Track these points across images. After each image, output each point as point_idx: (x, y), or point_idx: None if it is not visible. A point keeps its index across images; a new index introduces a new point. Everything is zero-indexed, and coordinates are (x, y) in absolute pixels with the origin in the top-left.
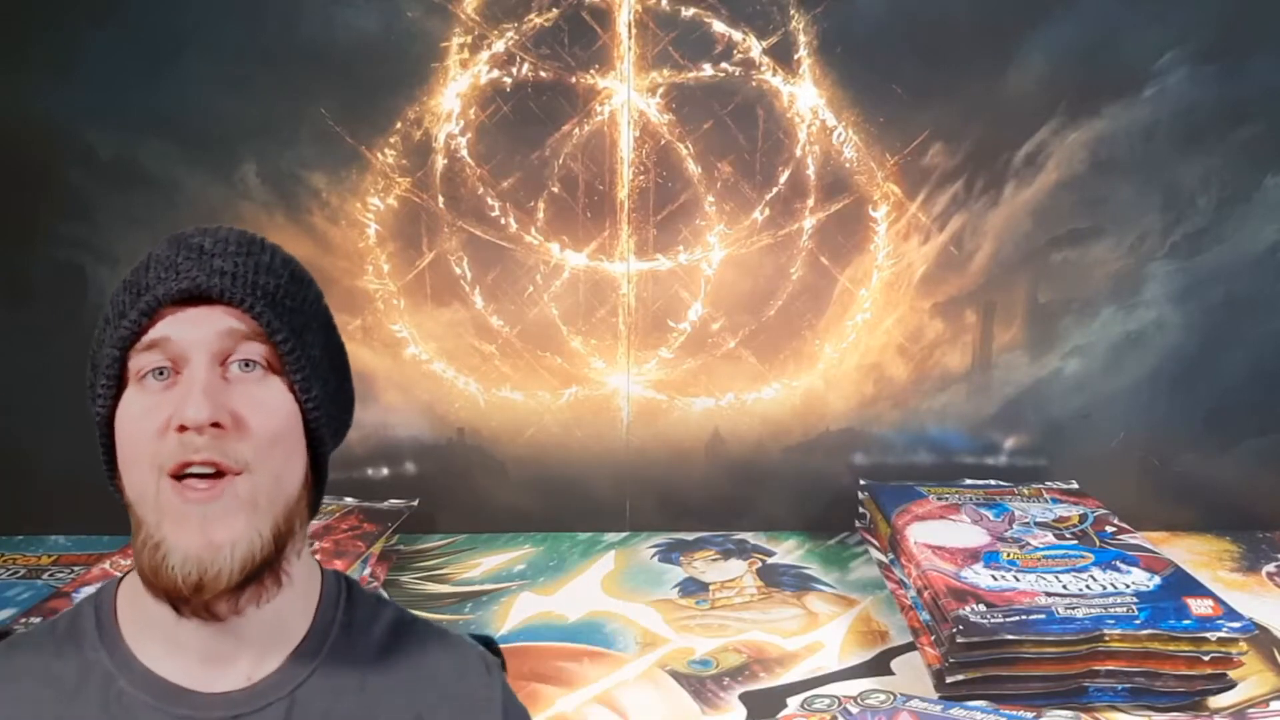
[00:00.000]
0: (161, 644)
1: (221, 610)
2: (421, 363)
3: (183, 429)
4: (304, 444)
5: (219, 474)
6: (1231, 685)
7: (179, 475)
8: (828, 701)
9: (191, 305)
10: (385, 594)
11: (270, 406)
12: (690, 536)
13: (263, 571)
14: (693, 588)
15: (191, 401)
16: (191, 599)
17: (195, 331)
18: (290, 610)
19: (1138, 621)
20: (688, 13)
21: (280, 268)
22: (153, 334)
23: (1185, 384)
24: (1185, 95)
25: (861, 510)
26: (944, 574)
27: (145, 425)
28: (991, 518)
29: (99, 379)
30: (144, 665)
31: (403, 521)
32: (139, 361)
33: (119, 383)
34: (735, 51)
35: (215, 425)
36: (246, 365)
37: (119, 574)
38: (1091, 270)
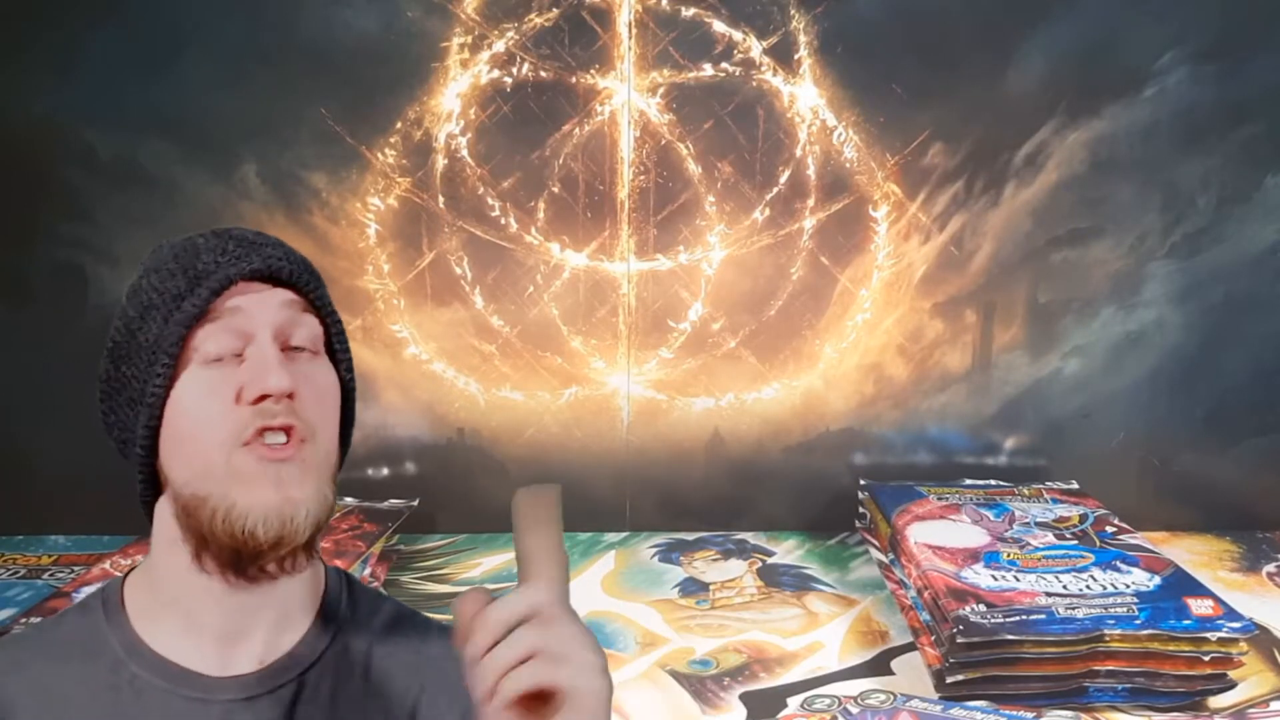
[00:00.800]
0: (176, 628)
1: (270, 569)
2: (421, 363)
3: (261, 399)
4: (338, 426)
5: (288, 442)
6: (1232, 685)
7: (248, 444)
8: (828, 701)
9: (254, 286)
10: (383, 591)
11: (325, 382)
12: (690, 536)
13: (319, 534)
14: (693, 588)
15: (273, 371)
16: (268, 553)
17: (261, 307)
18: (302, 591)
19: (1138, 621)
20: (688, 13)
21: (304, 259)
22: (219, 309)
23: (1185, 384)
24: (1185, 95)
25: (861, 510)
26: (944, 574)
27: (215, 400)
28: (991, 518)
29: (158, 359)
30: (154, 651)
31: (403, 521)
32: (202, 339)
33: (176, 365)
34: (735, 51)
35: (289, 396)
36: (298, 347)
37: (119, 574)
38: (1091, 270)
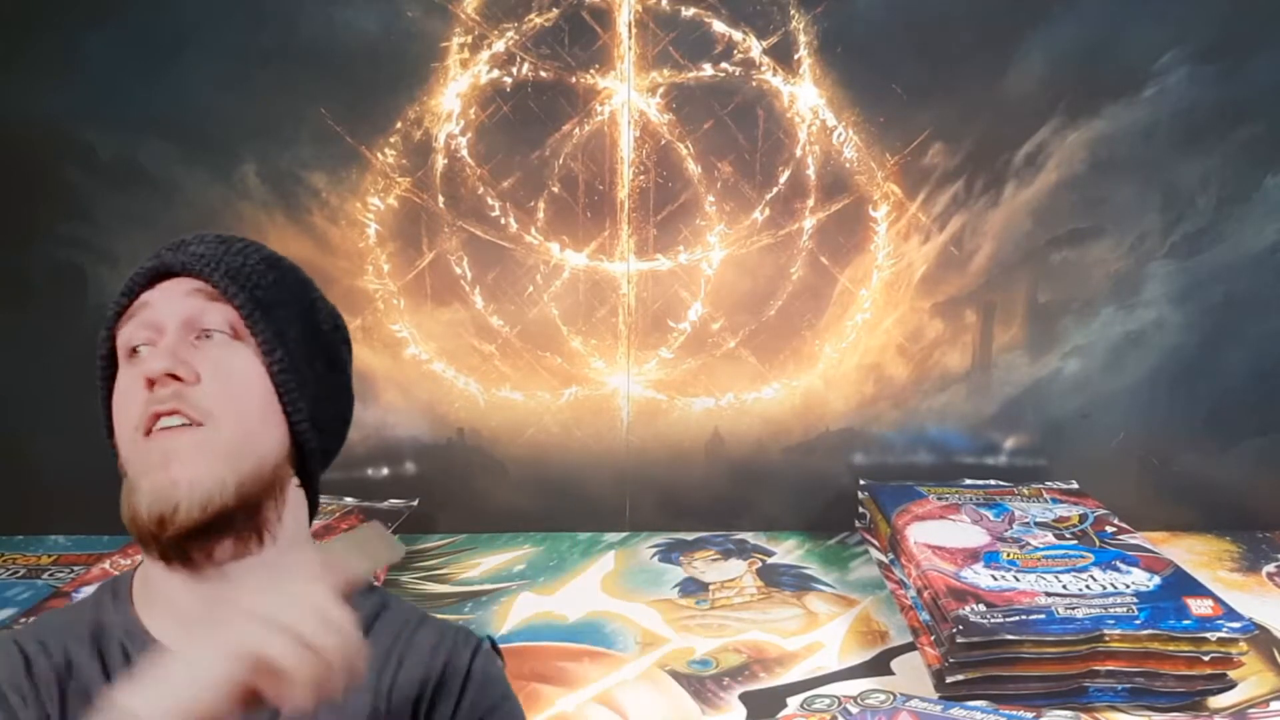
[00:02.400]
0: (168, 616)
1: (196, 555)
2: (421, 363)
3: (151, 384)
4: (281, 414)
5: (185, 425)
6: (1231, 685)
7: (149, 433)
8: (828, 701)
9: (164, 281)
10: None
11: (233, 366)
12: (690, 536)
13: (233, 523)
14: (693, 588)
15: (154, 356)
16: (159, 535)
17: (166, 299)
18: (283, 580)
19: (1138, 621)
20: (688, 13)
21: (252, 254)
22: (133, 307)
23: (1185, 384)
24: (1185, 95)
25: (861, 510)
26: (944, 574)
27: (128, 391)
28: (991, 518)
29: (96, 362)
30: (149, 634)
31: (403, 521)
32: (125, 336)
33: (113, 363)
34: (735, 51)
35: (174, 377)
36: (209, 334)
37: (118, 574)
38: (1091, 270)
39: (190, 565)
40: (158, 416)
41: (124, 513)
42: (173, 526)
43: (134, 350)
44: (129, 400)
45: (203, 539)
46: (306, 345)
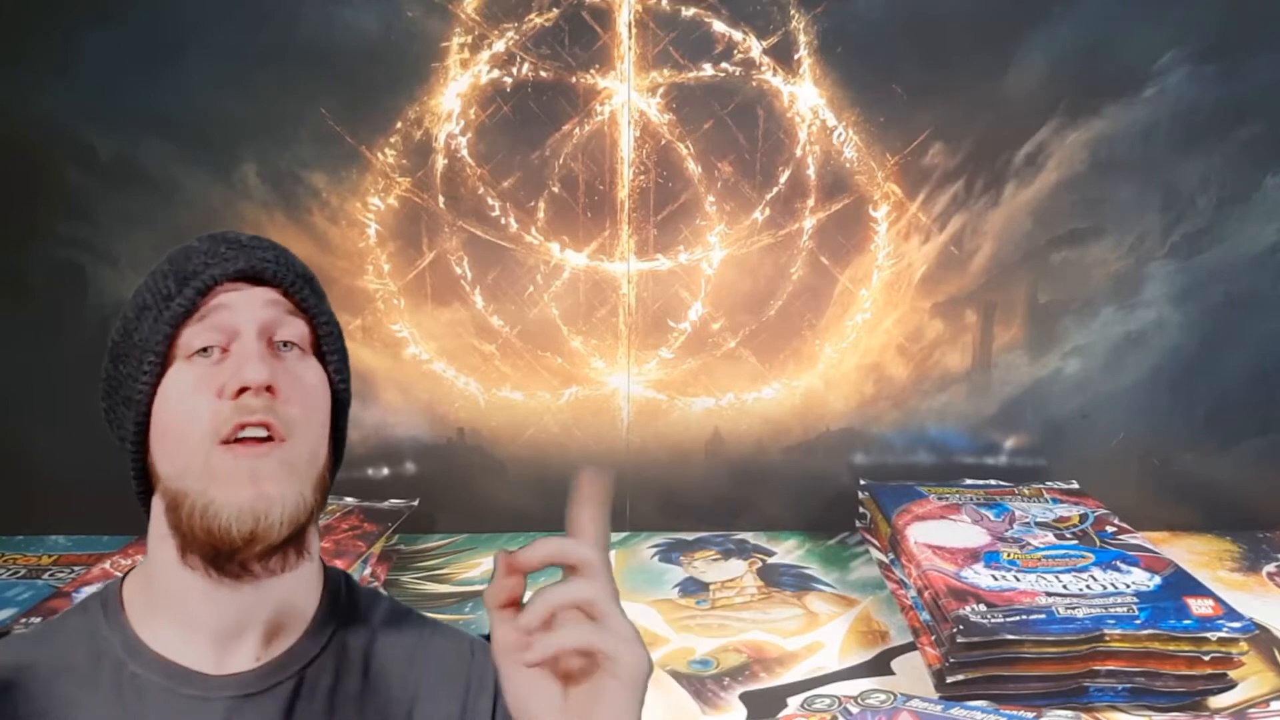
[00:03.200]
0: (174, 627)
1: (255, 569)
2: (421, 363)
3: (241, 391)
4: (329, 424)
5: (268, 439)
6: (1232, 685)
7: (228, 442)
8: (828, 701)
9: (240, 286)
10: (383, 591)
11: (310, 381)
12: (690, 536)
13: (300, 535)
14: (693, 588)
15: (251, 365)
16: (244, 550)
17: (246, 304)
18: (300, 590)
19: (1138, 621)
20: (688, 13)
21: (305, 266)
22: (205, 307)
23: (1185, 384)
24: (1185, 95)
25: (861, 510)
26: (944, 574)
27: (199, 396)
28: (992, 518)
29: (145, 357)
30: (153, 650)
31: (403, 521)
32: (189, 337)
33: (164, 363)
34: (735, 51)
35: (269, 389)
36: (286, 345)
37: (119, 574)
38: (1091, 270)
39: (240, 578)
40: (243, 426)
41: (188, 527)
42: (263, 542)
43: (201, 351)
44: (197, 407)
45: (271, 555)
46: (347, 355)
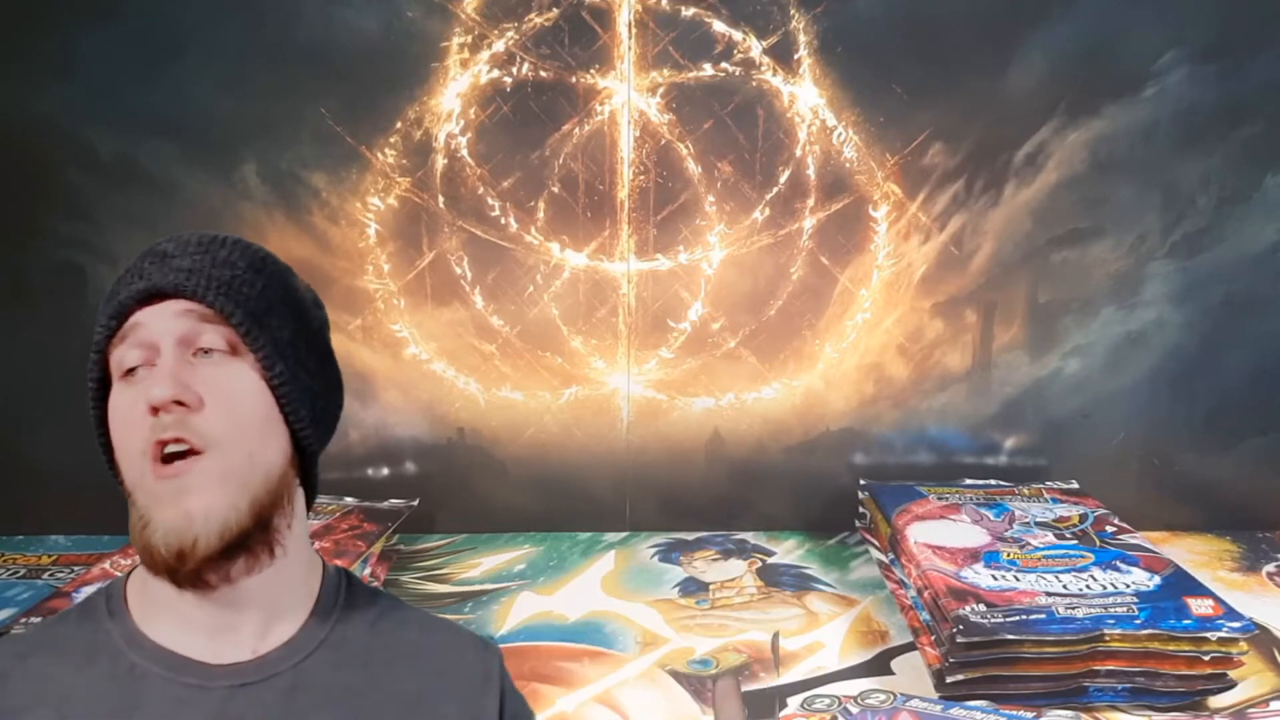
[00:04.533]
0: (171, 622)
1: (212, 579)
2: (421, 363)
3: (155, 411)
4: (281, 422)
5: (192, 452)
6: (1231, 685)
7: (162, 459)
8: (828, 701)
9: (157, 302)
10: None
11: (233, 386)
12: (690, 536)
13: (248, 542)
14: (693, 588)
15: (156, 382)
16: (178, 568)
17: (158, 319)
18: (291, 587)
19: (1138, 621)
20: (688, 13)
21: (238, 259)
22: (124, 328)
23: (1185, 384)
24: (1185, 95)
25: (861, 510)
26: (944, 574)
27: (128, 415)
28: (991, 518)
29: (88, 381)
30: (154, 641)
31: (403, 521)
32: (117, 358)
33: (104, 383)
34: (735, 51)
35: (180, 404)
36: (207, 352)
37: (119, 574)
38: (1091, 270)
39: (204, 587)
40: (163, 444)
41: (136, 544)
42: (192, 559)
43: (130, 370)
44: (129, 424)
45: (219, 563)
46: (300, 346)
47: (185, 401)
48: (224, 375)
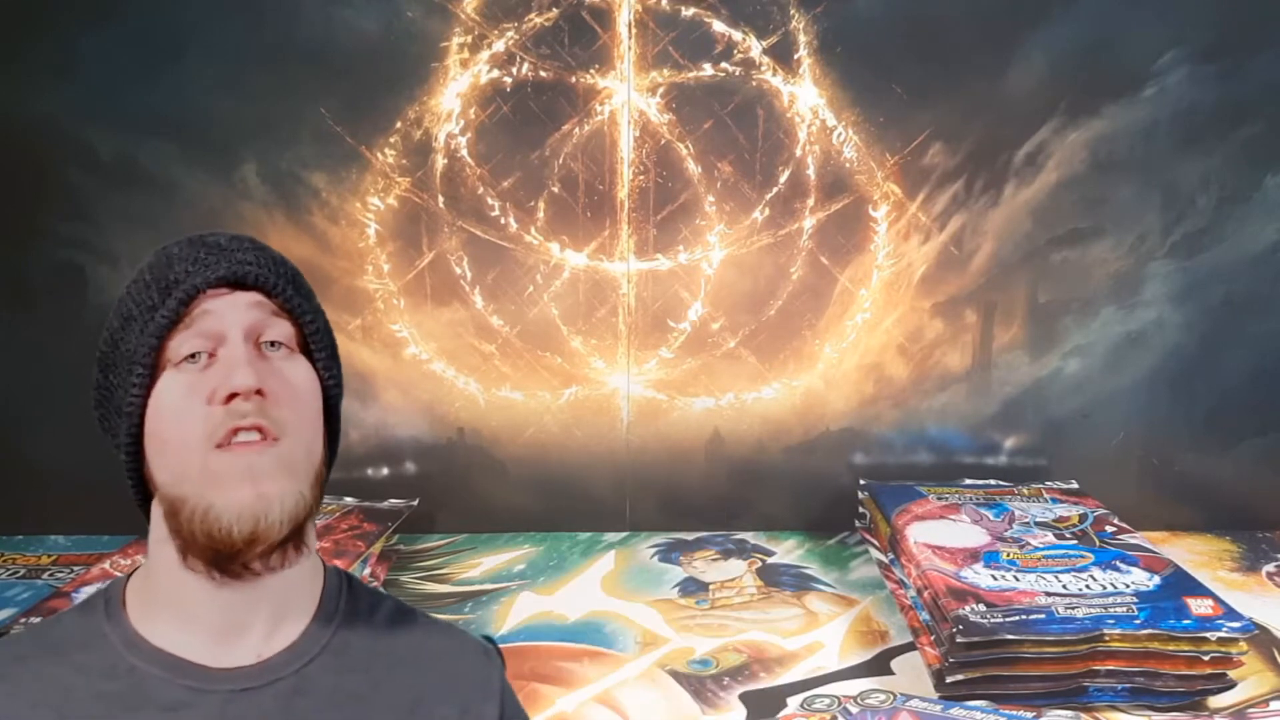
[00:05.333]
0: (173, 624)
1: (256, 566)
2: (421, 362)
3: (231, 397)
4: (323, 421)
5: (262, 440)
6: (1231, 685)
7: (222, 446)
8: (828, 701)
9: (224, 291)
10: (383, 591)
11: (300, 380)
12: (690, 536)
13: (299, 532)
14: (693, 587)
15: (240, 370)
16: (245, 551)
17: (230, 309)
18: (300, 586)
19: (1138, 621)
20: (688, 13)
21: (285, 261)
22: (190, 315)
23: (1185, 384)
24: (1185, 95)
25: (861, 510)
26: (944, 574)
27: (191, 403)
28: (991, 518)
29: (134, 369)
30: (153, 644)
31: (403, 521)
32: (176, 345)
33: (153, 373)
34: (735, 51)
35: (259, 393)
36: (274, 345)
37: (119, 574)
38: (1091, 270)
39: (241, 577)
40: (236, 431)
41: (191, 530)
42: (264, 541)
43: (189, 357)
44: (187, 412)
45: (273, 552)
46: (336, 350)
47: (266, 391)
48: (292, 370)
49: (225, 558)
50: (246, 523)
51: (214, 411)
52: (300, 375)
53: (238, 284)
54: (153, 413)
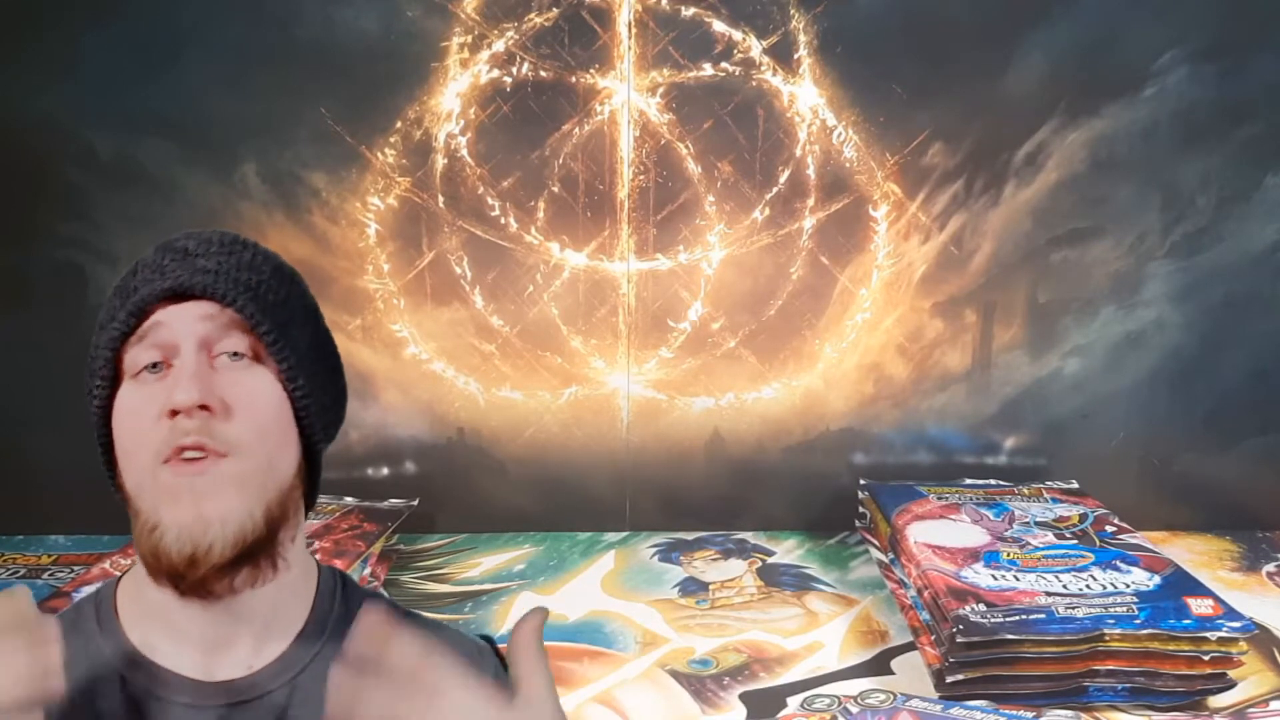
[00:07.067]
0: (163, 634)
1: (217, 589)
2: (421, 362)
3: (174, 413)
4: (296, 433)
5: (204, 457)
6: (1231, 685)
7: (170, 461)
8: (828, 701)
9: (179, 302)
10: (383, 591)
11: (256, 393)
12: (690, 536)
13: (256, 553)
14: (693, 587)
15: (180, 385)
16: (187, 574)
17: (181, 320)
18: (288, 599)
19: (1138, 621)
20: (688, 12)
21: (262, 264)
22: (143, 327)
23: (1185, 384)
24: (1185, 95)
25: (861, 510)
26: (944, 574)
27: (142, 416)
28: (991, 517)
29: (94, 379)
30: (145, 657)
31: (403, 521)
32: (133, 357)
33: (114, 381)
34: (735, 51)
35: (203, 408)
36: (234, 356)
37: (119, 574)
38: (1091, 270)
39: (208, 597)
40: (182, 449)
41: (141, 548)
42: (205, 565)
43: (146, 368)
44: (140, 426)
45: (226, 572)
46: (316, 356)
47: (210, 407)
48: (247, 382)
49: (174, 580)
50: (185, 544)
51: (161, 426)
52: (259, 387)
53: (187, 295)
54: (115, 421)
